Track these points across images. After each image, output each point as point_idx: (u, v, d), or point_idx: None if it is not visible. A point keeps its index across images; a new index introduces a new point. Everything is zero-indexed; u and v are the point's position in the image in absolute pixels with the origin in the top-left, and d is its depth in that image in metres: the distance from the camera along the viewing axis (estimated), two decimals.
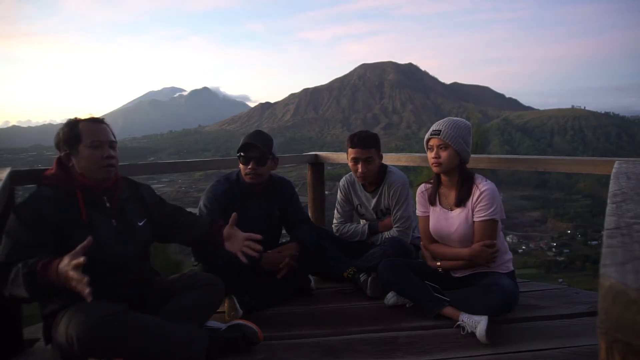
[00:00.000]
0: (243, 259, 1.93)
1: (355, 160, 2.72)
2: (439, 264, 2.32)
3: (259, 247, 1.96)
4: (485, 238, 2.16)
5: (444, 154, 2.19)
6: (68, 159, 1.77)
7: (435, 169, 2.25)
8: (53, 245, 1.62)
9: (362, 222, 3.00)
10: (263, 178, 2.51)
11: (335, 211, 3.03)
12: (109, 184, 1.83)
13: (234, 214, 1.99)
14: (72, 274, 1.37)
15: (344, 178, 3.00)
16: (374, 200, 2.86)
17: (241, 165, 2.50)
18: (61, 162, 1.79)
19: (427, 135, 2.27)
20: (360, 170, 2.71)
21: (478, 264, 2.21)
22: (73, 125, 1.78)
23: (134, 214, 1.90)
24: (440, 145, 2.20)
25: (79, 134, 1.75)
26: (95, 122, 1.81)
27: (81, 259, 1.37)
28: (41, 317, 1.74)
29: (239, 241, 1.96)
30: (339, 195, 3.01)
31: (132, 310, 1.68)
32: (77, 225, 1.69)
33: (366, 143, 2.69)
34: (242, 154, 2.46)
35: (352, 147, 2.72)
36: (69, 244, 1.63)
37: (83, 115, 1.86)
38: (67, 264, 1.40)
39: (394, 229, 2.79)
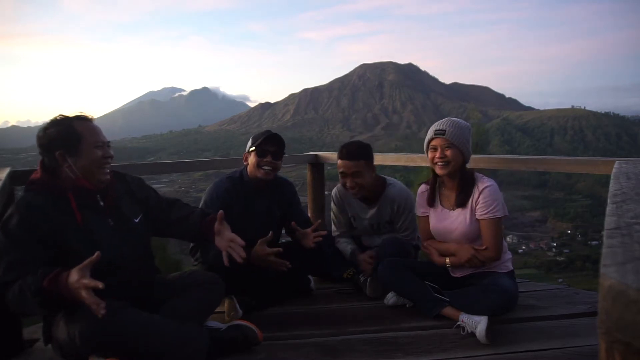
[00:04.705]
0: (226, 260, 1.85)
1: (343, 174, 2.54)
2: (447, 260, 2.27)
3: (242, 253, 1.84)
4: (490, 236, 2.15)
5: (450, 154, 2.16)
6: (63, 159, 1.67)
7: (441, 171, 2.19)
8: (48, 255, 1.59)
9: (350, 248, 2.79)
10: (275, 173, 2.49)
11: (332, 224, 2.87)
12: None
13: (220, 211, 1.90)
14: (86, 296, 1.41)
15: (335, 188, 2.80)
16: (372, 212, 2.70)
17: (254, 159, 2.41)
18: (45, 165, 1.70)
19: (429, 136, 2.22)
20: (348, 185, 2.54)
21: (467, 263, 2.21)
22: (68, 124, 1.70)
23: (129, 211, 1.85)
24: (445, 145, 2.16)
25: (79, 134, 1.69)
26: (91, 121, 1.77)
27: (99, 284, 1.41)
28: (41, 316, 1.73)
29: (225, 240, 1.89)
30: (332, 207, 2.84)
31: (133, 308, 1.68)
32: (72, 229, 1.64)
33: (353, 155, 2.50)
34: (258, 147, 2.40)
35: (339, 159, 2.55)
36: (66, 248, 1.62)
37: (70, 113, 1.77)
38: (77, 281, 1.42)
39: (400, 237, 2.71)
